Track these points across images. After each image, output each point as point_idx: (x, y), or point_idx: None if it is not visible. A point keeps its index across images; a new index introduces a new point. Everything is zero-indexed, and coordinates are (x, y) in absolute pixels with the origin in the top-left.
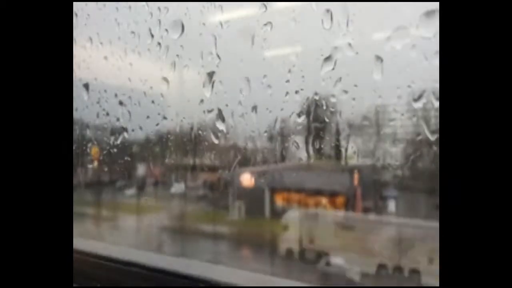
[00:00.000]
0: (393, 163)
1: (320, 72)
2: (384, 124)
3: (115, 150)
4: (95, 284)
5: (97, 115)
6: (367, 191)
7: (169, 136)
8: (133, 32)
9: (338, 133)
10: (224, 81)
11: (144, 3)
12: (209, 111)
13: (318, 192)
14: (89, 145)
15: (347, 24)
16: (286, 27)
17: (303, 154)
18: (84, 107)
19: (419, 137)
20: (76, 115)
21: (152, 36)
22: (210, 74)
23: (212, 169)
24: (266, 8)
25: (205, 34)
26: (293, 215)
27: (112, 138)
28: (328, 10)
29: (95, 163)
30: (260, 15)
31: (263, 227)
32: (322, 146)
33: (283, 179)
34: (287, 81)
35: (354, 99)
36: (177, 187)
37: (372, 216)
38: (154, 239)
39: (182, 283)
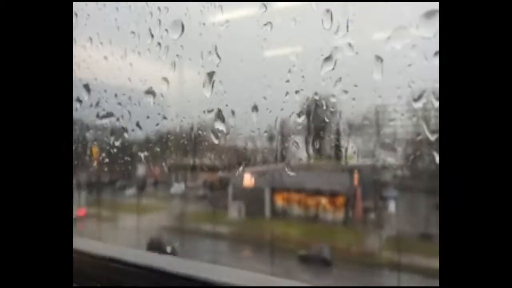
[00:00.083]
0: (393, 163)
1: (320, 72)
2: (384, 124)
3: (115, 150)
4: (95, 284)
5: (97, 115)
6: (367, 191)
7: (169, 136)
8: (133, 32)
9: (338, 133)
10: (224, 81)
11: (144, 3)
12: (209, 111)
13: (318, 192)
14: (89, 145)
15: (347, 24)
16: (286, 27)
17: (303, 154)
18: (84, 107)
19: (419, 137)
20: (76, 115)
21: (152, 36)
22: (210, 74)
23: (212, 169)
24: (266, 8)
25: (205, 34)
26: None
27: (112, 138)
28: (328, 10)
29: (95, 163)
30: (260, 15)
31: (262, 227)
32: (322, 146)
33: (283, 179)
34: (287, 81)
35: (354, 99)
36: (177, 187)
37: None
38: (154, 239)
39: (182, 283)
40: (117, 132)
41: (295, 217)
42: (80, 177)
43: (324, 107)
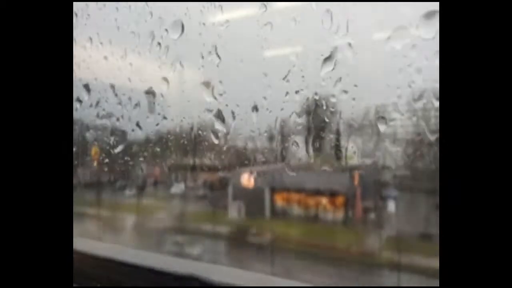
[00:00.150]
0: (393, 163)
1: (320, 72)
2: (384, 124)
3: (115, 150)
4: (95, 284)
5: (97, 115)
6: (367, 191)
7: (169, 136)
8: (133, 32)
9: (338, 133)
10: (224, 81)
11: (144, 3)
12: (209, 111)
13: (318, 192)
14: (89, 145)
15: (347, 24)
16: (286, 27)
17: (303, 154)
18: (84, 107)
19: (419, 137)
20: (76, 115)
21: (152, 36)
22: (210, 74)
23: (212, 169)
24: (266, 8)
25: (205, 34)
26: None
27: (112, 138)
28: (328, 10)
29: (95, 163)
30: (260, 15)
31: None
32: (322, 146)
33: (283, 179)
34: (287, 81)
35: (354, 99)
36: (177, 187)
37: None
38: (152, 239)
39: (182, 283)
40: (117, 132)
41: (295, 217)
42: (79, 177)
43: (324, 107)
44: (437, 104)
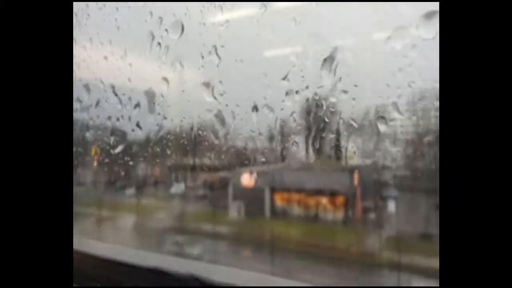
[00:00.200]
0: (393, 163)
1: (320, 72)
2: (384, 124)
3: (115, 150)
4: (95, 284)
5: (98, 115)
6: (367, 191)
7: (169, 136)
8: (133, 32)
9: (338, 133)
10: (224, 81)
11: (144, 3)
12: (209, 111)
13: (318, 192)
14: (89, 145)
15: (347, 24)
16: (286, 27)
17: (303, 154)
18: (84, 107)
19: (419, 137)
20: (76, 115)
21: (152, 36)
22: (210, 74)
23: (212, 169)
24: (266, 8)
25: (205, 34)
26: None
27: (112, 138)
28: (328, 10)
29: (95, 163)
30: (260, 15)
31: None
32: (322, 146)
33: (283, 179)
34: (287, 81)
35: (354, 99)
36: (177, 187)
37: None
38: (152, 239)
39: (182, 283)
40: (117, 132)
41: (295, 217)
42: (79, 176)
43: (324, 107)
44: (437, 104)
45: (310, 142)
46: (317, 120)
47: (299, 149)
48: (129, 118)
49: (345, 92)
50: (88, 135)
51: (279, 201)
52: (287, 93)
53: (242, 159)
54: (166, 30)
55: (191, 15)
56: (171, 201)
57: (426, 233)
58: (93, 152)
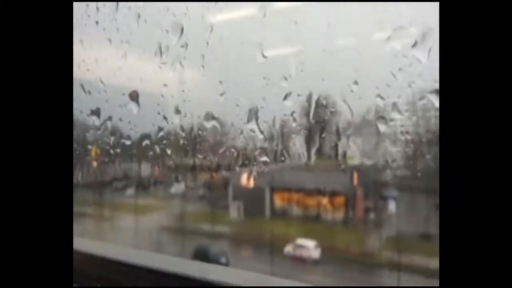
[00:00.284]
0: (393, 163)
1: (320, 72)
2: (384, 124)
3: (114, 150)
4: (95, 284)
5: (98, 116)
6: (367, 191)
7: (169, 136)
8: (133, 32)
9: (338, 133)
10: (224, 81)
11: (144, 3)
12: (209, 111)
13: (317, 192)
14: (89, 145)
15: (347, 24)
16: (286, 27)
17: (303, 154)
18: (84, 108)
19: (419, 137)
20: (76, 115)
21: (152, 36)
22: (210, 74)
23: (212, 169)
24: (266, 8)
25: (205, 34)
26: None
27: (112, 139)
28: (328, 11)
29: (95, 163)
30: (260, 15)
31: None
32: (322, 146)
33: (283, 179)
34: (287, 81)
35: (354, 99)
36: (177, 187)
37: None
38: (153, 239)
39: (182, 283)
40: (117, 132)
41: (295, 217)
42: (78, 177)
43: (324, 107)
44: (437, 104)
45: (310, 142)
46: (317, 120)
47: (299, 149)
48: (129, 118)
49: (345, 92)
50: (88, 135)
51: (279, 201)
52: (287, 93)
53: (242, 159)
54: (166, 30)
55: (191, 15)
56: (171, 201)
57: (426, 233)
58: (92, 153)
